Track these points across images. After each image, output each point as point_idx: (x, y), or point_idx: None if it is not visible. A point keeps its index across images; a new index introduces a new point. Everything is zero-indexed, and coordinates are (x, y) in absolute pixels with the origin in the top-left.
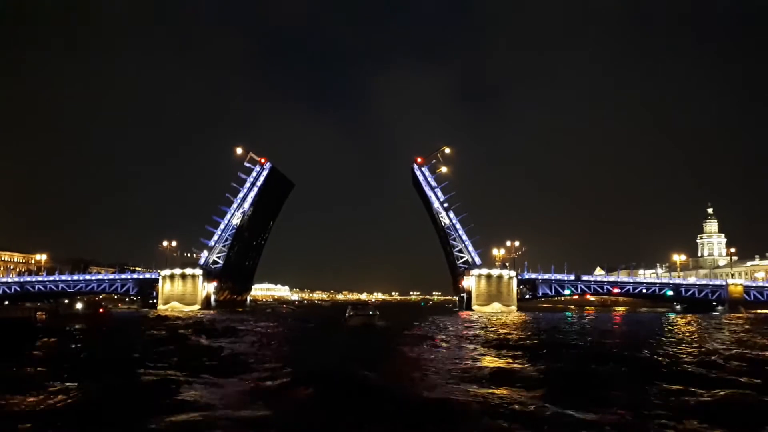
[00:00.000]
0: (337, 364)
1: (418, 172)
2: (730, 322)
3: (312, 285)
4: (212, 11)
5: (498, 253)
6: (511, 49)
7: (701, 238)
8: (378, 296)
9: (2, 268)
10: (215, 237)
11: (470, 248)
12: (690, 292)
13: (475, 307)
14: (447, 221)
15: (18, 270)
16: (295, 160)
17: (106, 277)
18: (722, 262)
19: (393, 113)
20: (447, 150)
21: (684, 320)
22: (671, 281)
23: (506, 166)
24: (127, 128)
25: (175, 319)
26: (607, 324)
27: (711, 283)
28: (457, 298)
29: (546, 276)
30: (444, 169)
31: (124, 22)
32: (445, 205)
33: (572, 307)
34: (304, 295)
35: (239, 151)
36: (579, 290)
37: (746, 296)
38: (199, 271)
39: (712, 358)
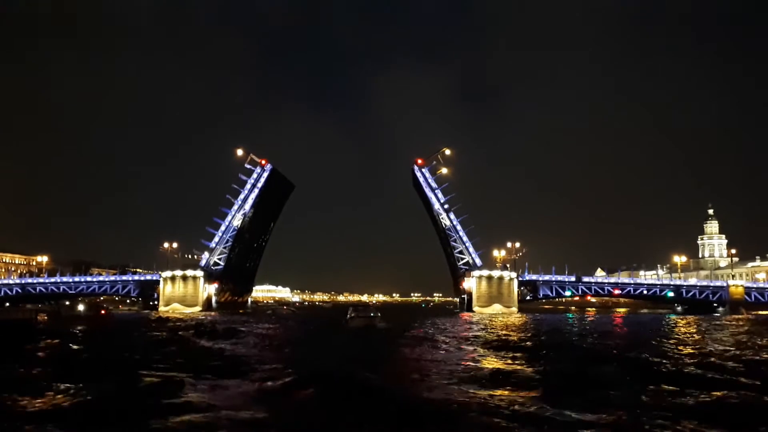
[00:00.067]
0: (338, 365)
1: (418, 174)
2: (730, 323)
3: (313, 286)
4: (212, 11)
5: (499, 254)
6: (511, 49)
7: (702, 239)
8: (379, 297)
9: (3, 270)
10: (216, 238)
11: (471, 249)
12: (691, 294)
13: (475, 308)
14: (447, 222)
15: (19, 271)
16: (295, 160)
17: (107, 279)
18: (723, 263)
19: (393, 113)
20: (447, 151)
21: (685, 321)
22: (672, 282)
23: (506, 166)
24: (127, 128)
25: (176, 321)
26: (608, 325)
27: (712, 284)
28: (457, 300)
29: (547, 277)
30: (444, 171)
31: (124, 22)
32: (446, 206)
33: (573, 308)
34: (304, 296)
35: (240, 152)
36: (580, 291)
37: (747, 297)
38: (200, 273)
39: (712, 359)
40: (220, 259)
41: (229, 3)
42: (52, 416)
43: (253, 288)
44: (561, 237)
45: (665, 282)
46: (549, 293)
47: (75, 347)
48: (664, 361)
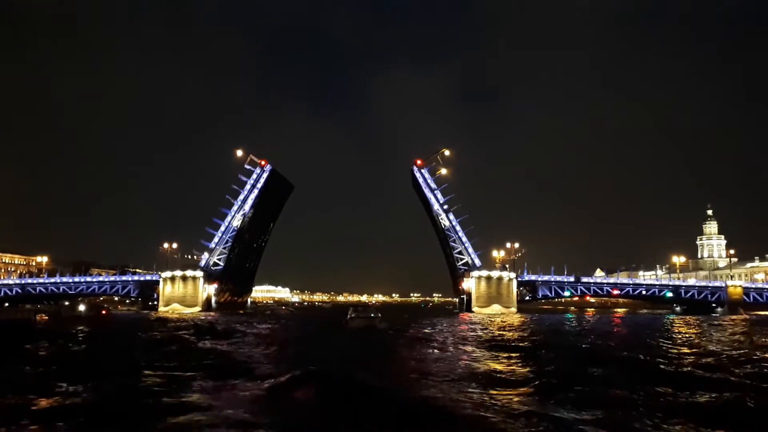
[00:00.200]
0: (338, 365)
1: (417, 175)
2: (729, 323)
3: (312, 286)
4: (212, 11)
5: (498, 254)
6: (511, 49)
7: (701, 239)
8: (378, 298)
9: (3, 270)
10: (216, 239)
11: (470, 250)
12: (689, 294)
13: (475, 308)
14: (447, 223)
15: (19, 272)
16: (295, 160)
17: (107, 279)
18: (722, 263)
19: (393, 113)
20: (447, 152)
21: (683, 322)
22: (671, 283)
23: (506, 166)
24: (127, 128)
25: (176, 321)
26: (607, 325)
27: (710, 284)
28: (457, 300)
29: (546, 278)
30: (444, 171)
31: (124, 22)
32: (445, 207)
33: (572, 308)
34: (304, 296)
35: (239, 153)
36: (579, 292)
37: (746, 298)
38: (199, 273)
39: (710, 359)
40: (219, 260)
41: (229, 3)
42: (52, 416)
43: (253, 288)
44: (561, 237)
45: (664, 282)
46: (548, 293)
47: (75, 348)
48: (661, 361)
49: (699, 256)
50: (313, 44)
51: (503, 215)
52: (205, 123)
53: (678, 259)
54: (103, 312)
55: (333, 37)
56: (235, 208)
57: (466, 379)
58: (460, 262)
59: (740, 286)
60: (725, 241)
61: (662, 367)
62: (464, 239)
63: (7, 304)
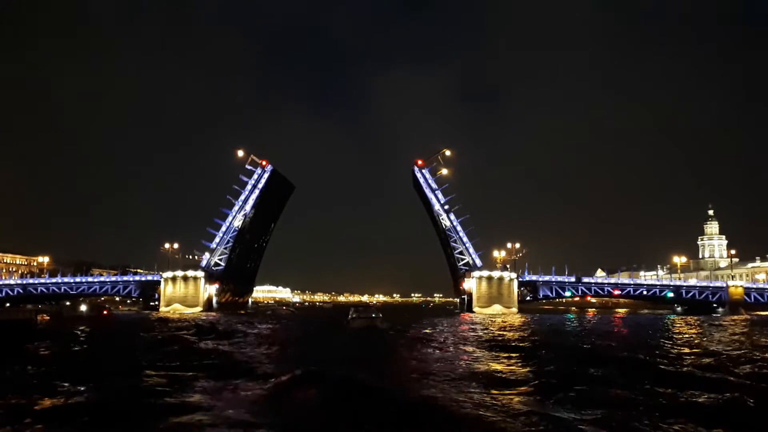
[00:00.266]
0: (338, 365)
1: (418, 175)
2: (729, 324)
3: (313, 287)
4: (212, 11)
5: (499, 255)
6: (511, 49)
7: (702, 239)
8: (379, 298)
9: (4, 271)
10: (217, 239)
11: (471, 250)
12: (690, 294)
13: (476, 308)
14: (448, 223)
15: (20, 272)
16: (295, 160)
17: (108, 279)
18: (723, 263)
19: (393, 113)
20: (447, 152)
21: (684, 322)
22: (672, 283)
23: (506, 166)
24: (127, 128)
25: (177, 321)
26: (608, 326)
27: (711, 285)
28: (458, 300)
29: (547, 278)
30: (444, 172)
31: (124, 22)
32: (446, 207)
33: (573, 308)
34: (305, 296)
35: (240, 153)
36: (580, 292)
37: (746, 298)
38: (200, 273)
39: (710, 359)
40: (220, 260)
41: (229, 3)
42: (54, 416)
43: (254, 288)
44: (561, 237)
45: (665, 282)
46: (549, 294)
47: (77, 348)
48: (662, 361)
49: (700, 256)
50: (313, 44)
51: (503, 215)
52: (205, 123)
53: (679, 260)
54: (105, 312)
55: (333, 37)
56: (236, 208)
57: (466, 379)
58: (461, 263)
59: (741, 286)
60: (726, 242)
61: (662, 367)
62: (465, 239)
63: (8, 305)
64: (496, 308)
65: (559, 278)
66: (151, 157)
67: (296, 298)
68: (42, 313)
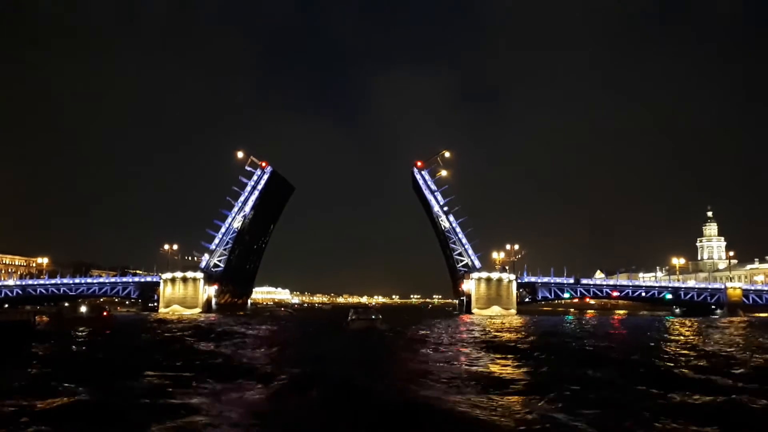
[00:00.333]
0: (338, 366)
1: (418, 176)
2: (727, 325)
3: (312, 288)
4: (212, 11)
5: (498, 256)
6: (511, 49)
7: (701, 241)
8: (378, 299)
9: (3, 272)
10: (216, 240)
11: (470, 252)
12: (689, 296)
13: (475, 310)
14: (447, 225)
15: (19, 273)
16: (295, 160)
17: (107, 280)
18: (722, 265)
19: (393, 113)
20: (447, 153)
21: (682, 324)
22: (670, 285)
23: (506, 166)
24: (127, 128)
25: (176, 322)
26: (606, 327)
27: (710, 286)
28: (457, 302)
29: (545, 279)
30: (444, 173)
31: (124, 22)
32: (445, 208)
33: (572, 310)
34: (304, 298)
35: (240, 154)
36: (578, 293)
37: (745, 300)
38: (200, 275)
39: (708, 361)
40: (220, 261)
41: (229, 3)
42: (53, 417)
43: (253, 290)
44: (560, 237)
45: (663, 284)
46: (548, 295)
47: (76, 348)
48: (660, 362)
49: (699, 257)
50: (313, 44)
51: (503, 215)
52: (205, 123)
53: (678, 261)
54: (105, 313)
55: (333, 37)
56: (235, 209)
57: (464, 380)
58: (460, 264)
59: (739, 288)
60: (725, 243)
61: (660, 368)
62: (464, 241)
63: (7, 306)
64: (495, 310)
65: (558, 280)
66: (151, 157)
67: (295, 300)
68: (41, 314)
